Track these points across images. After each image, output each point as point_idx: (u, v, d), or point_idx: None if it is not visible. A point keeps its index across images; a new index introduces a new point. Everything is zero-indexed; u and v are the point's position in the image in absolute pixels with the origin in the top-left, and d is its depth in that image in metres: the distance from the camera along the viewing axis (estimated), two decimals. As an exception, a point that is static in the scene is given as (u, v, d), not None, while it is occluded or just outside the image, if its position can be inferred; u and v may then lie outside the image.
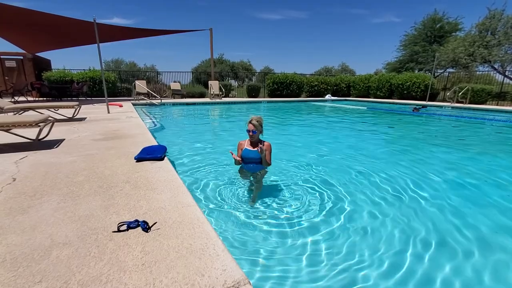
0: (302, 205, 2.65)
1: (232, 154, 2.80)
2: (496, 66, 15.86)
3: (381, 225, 2.35)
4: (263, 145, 2.84)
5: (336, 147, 5.38)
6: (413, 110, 11.44)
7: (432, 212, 2.57)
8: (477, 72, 17.05)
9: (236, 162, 2.98)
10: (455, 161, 4.44)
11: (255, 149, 2.84)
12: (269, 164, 2.98)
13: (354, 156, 4.51)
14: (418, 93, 15.47)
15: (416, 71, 21.14)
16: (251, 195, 2.80)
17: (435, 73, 19.66)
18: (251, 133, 2.80)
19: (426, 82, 15.10)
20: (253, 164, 2.95)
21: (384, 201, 2.79)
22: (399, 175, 3.54)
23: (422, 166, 3.94)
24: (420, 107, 12.33)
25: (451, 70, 18.95)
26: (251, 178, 3.04)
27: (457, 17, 21.72)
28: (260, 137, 2.95)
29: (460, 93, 13.33)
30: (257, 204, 2.65)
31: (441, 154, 4.83)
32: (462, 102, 13.32)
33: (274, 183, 3.23)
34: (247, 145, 2.93)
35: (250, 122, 2.80)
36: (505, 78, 15.21)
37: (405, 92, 15.88)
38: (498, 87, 14.97)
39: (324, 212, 2.52)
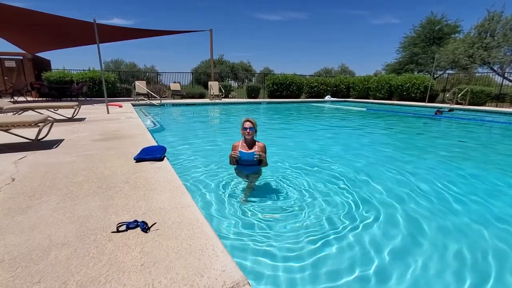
0: (301, 205, 2.65)
1: (232, 153, 2.81)
2: (495, 68, 15.90)
3: (376, 225, 2.35)
4: (258, 147, 2.86)
5: (334, 147, 5.38)
6: (435, 113, 10.20)
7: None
8: (476, 74, 17.11)
9: (231, 162, 2.96)
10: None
11: (251, 151, 2.82)
12: (267, 165, 2.97)
13: (353, 157, 4.51)
14: (418, 94, 15.50)
15: (416, 73, 21.18)
16: (249, 194, 2.80)
17: (435, 75, 19.71)
18: (248, 131, 2.76)
19: (426, 84, 15.14)
20: (248, 166, 2.93)
21: (381, 201, 2.79)
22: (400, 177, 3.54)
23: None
24: (447, 110, 10.96)
25: (450, 71, 19.02)
26: (247, 179, 3.02)
27: (456, 20, 21.84)
28: (254, 138, 2.93)
29: (459, 95, 13.37)
30: (257, 204, 2.64)
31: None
32: (461, 104, 13.35)
33: (274, 183, 3.23)
34: (241, 147, 2.88)
35: (246, 120, 2.78)
36: (504, 80, 15.26)
37: (404, 93, 15.91)
38: (497, 88, 15.02)
39: (322, 211, 2.52)
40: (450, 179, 3.51)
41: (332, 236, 2.15)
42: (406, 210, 2.62)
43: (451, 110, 11.33)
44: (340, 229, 2.26)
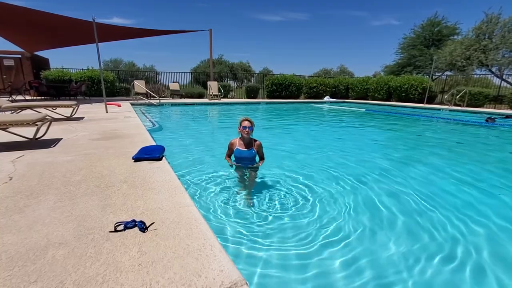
0: (299, 205, 2.65)
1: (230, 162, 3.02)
2: (493, 70, 15.97)
3: (382, 228, 2.35)
4: (256, 145, 3.01)
5: (333, 148, 5.39)
6: (486, 120, 8.06)
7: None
8: (475, 76, 17.18)
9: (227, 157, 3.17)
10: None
11: (250, 149, 2.95)
12: (263, 159, 3.14)
13: (348, 157, 4.52)
14: (416, 95, 15.55)
15: (414, 74, 21.22)
16: (247, 195, 2.80)
17: (433, 76, 19.77)
18: (247, 130, 2.86)
19: (424, 85, 15.19)
20: (246, 162, 3.07)
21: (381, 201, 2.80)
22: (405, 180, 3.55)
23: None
24: (504, 116, 8.71)
25: (448, 73, 19.08)
26: (247, 174, 3.12)
27: (456, 22, 21.90)
28: (251, 136, 3.07)
29: (457, 96, 13.42)
30: (255, 204, 2.64)
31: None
32: (459, 105, 13.40)
33: (273, 183, 3.22)
34: (238, 145, 2.99)
35: (245, 120, 2.88)
36: (502, 82, 15.33)
37: (403, 94, 15.96)
38: (496, 90, 15.09)
39: (320, 212, 2.52)
40: None
41: (337, 236, 2.15)
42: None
43: (508, 116, 8.72)
44: (347, 230, 2.26)
